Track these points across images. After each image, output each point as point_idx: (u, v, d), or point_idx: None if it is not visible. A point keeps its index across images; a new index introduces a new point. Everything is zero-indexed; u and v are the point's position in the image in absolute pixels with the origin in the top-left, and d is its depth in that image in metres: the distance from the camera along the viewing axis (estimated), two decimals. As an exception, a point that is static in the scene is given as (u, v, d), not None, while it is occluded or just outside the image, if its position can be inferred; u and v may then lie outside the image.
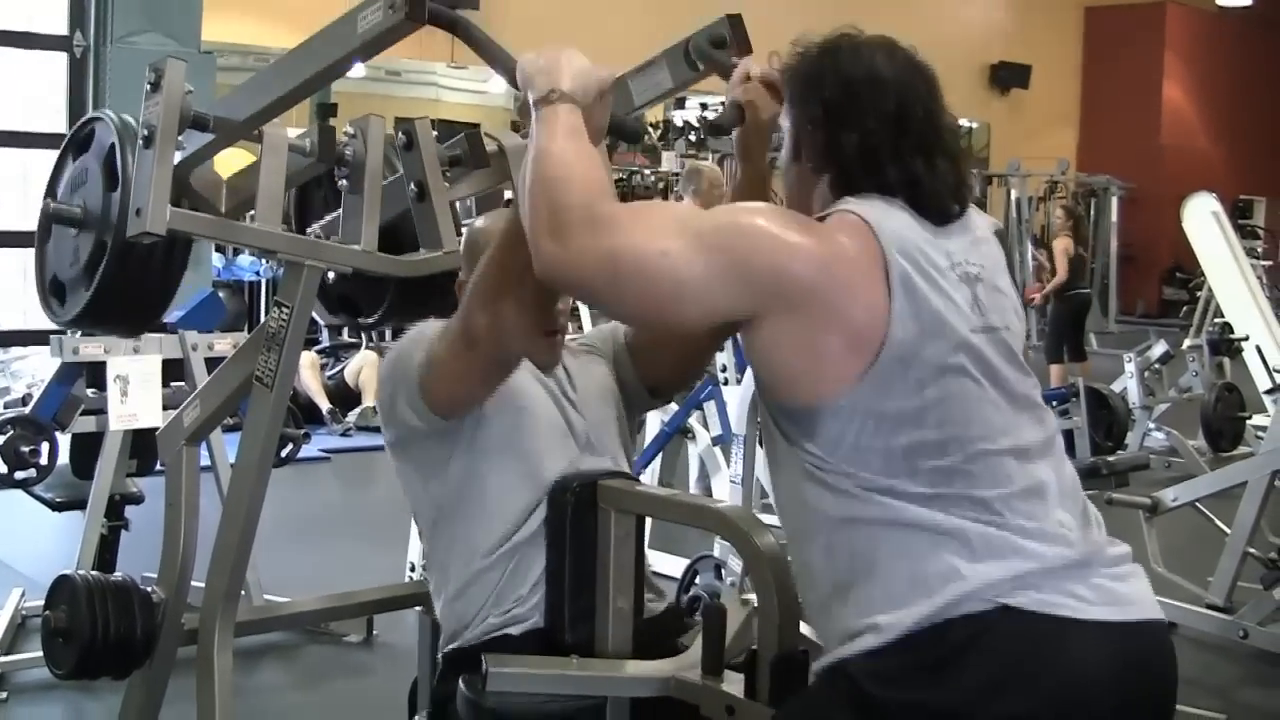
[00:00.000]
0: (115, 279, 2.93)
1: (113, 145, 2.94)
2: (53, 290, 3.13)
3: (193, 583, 3.25)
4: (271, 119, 2.83)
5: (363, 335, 9.82)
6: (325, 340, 10.31)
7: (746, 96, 2.28)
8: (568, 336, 2.62)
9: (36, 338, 6.49)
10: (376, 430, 6.99)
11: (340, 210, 2.95)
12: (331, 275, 3.07)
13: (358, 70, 15.43)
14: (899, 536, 1.83)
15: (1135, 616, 1.86)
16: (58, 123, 7.21)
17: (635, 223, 1.88)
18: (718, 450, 5.75)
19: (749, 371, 5.37)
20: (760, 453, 5.63)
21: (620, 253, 1.86)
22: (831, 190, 1.96)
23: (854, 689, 1.84)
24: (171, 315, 4.72)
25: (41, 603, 3.26)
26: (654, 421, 6.14)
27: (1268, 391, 8.88)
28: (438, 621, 2.60)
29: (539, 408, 2.55)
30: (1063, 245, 11.52)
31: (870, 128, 1.91)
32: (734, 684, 2.13)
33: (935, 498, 1.82)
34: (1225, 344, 9.81)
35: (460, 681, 2.24)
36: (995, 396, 1.88)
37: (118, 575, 3.24)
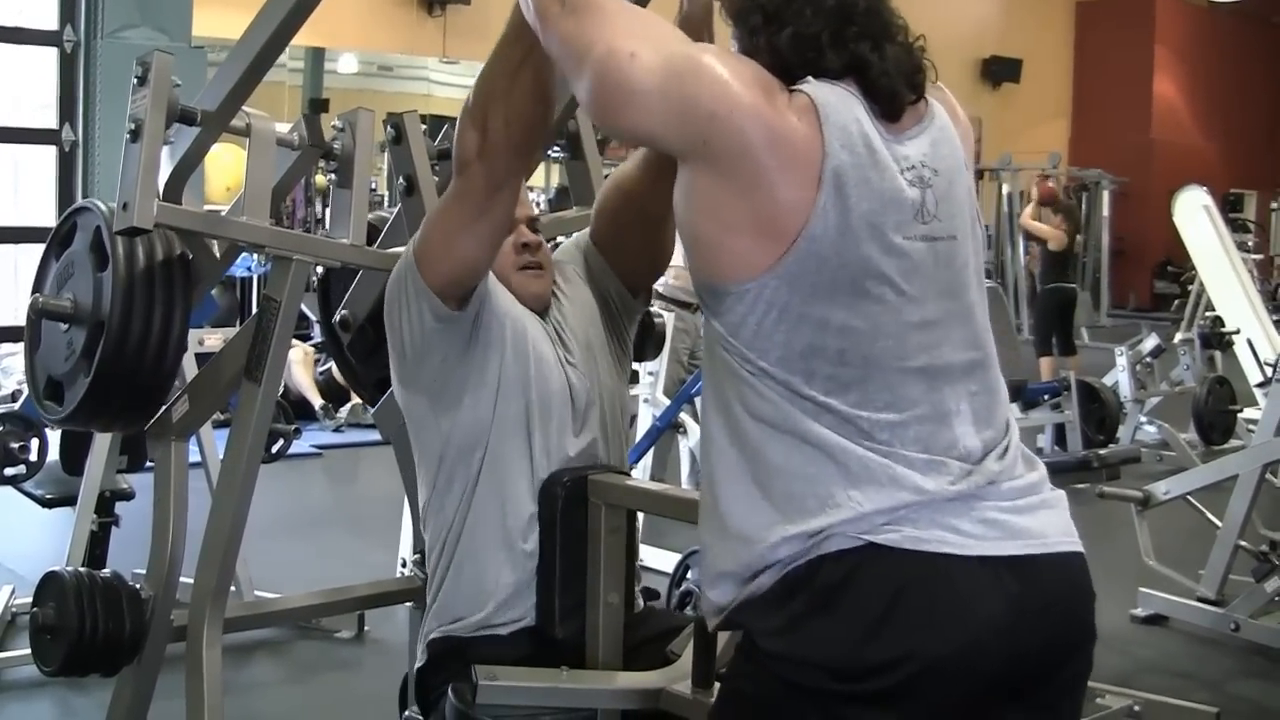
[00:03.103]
0: (113, 363, 2.90)
1: (98, 228, 2.92)
2: (48, 392, 3.10)
3: (183, 579, 3.24)
4: (245, 96, 2.81)
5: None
6: (317, 335, 10.29)
7: None
8: None
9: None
10: (369, 426, 6.96)
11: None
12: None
13: (350, 65, 15.44)
14: (782, 442, 1.78)
15: (1031, 550, 1.78)
16: (48, 118, 7.19)
17: (620, 17, 1.90)
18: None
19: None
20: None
21: (597, 44, 1.86)
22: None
23: (752, 648, 1.82)
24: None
25: (30, 600, 3.25)
26: (646, 416, 6.14)
27: (1259, 385, 8.87)
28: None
29: (548, 367, 2.53)
30: (1044, 233, 11.49)
31: (809, 17, 1.85)
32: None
33: (825, 410, 1.77)
34: (1216, 337, 9.81)
35: (449, 690, 2.23)
36: (918, 310, 1.81)
37: (106, 572, 3.23)
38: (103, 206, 2.92)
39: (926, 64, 1.91)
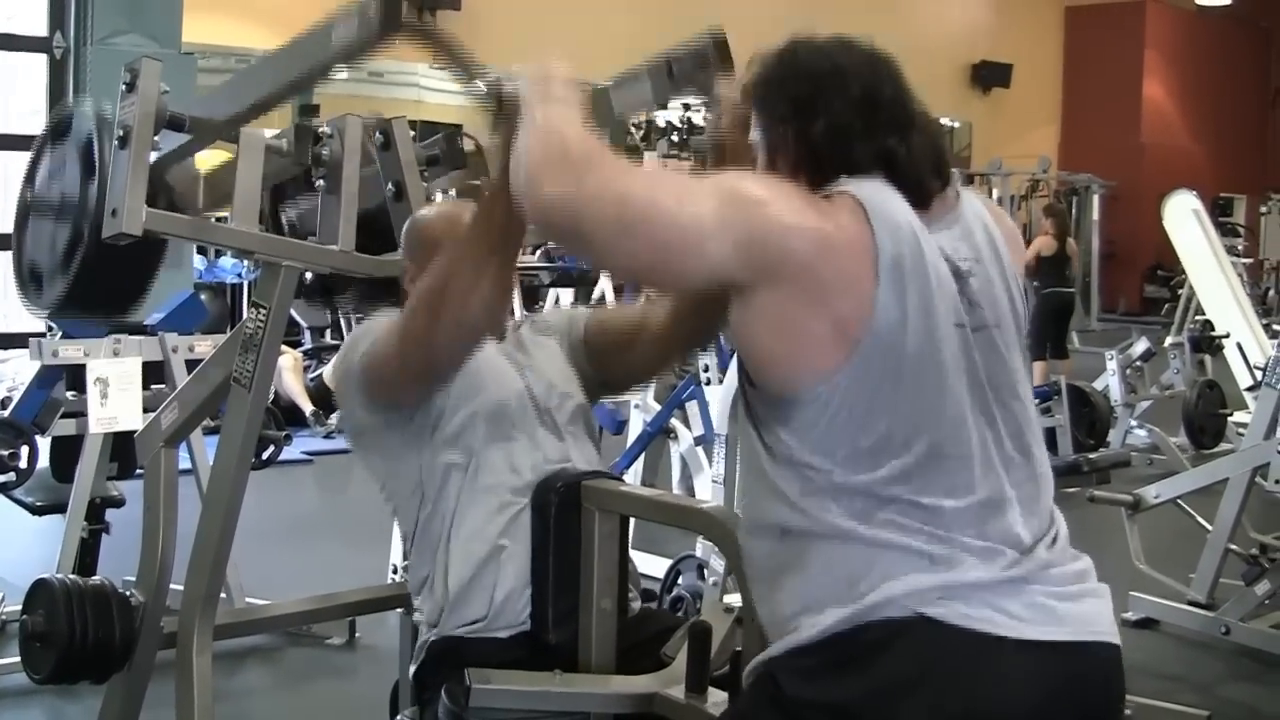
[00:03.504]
0: (93, 267, 2.91)
1: (90, 134, 2.92)
2: (31, 278, 3.11)
3: (173, 586, 3.23)
4: (247, 124, 2.82)
5: (345, 337, 9.77)
6: (308, 342, 10.28)
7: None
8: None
9: (16, 340, 6.47)
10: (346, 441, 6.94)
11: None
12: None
13: (339, 72, 15.40)
14: (841, 544, 1.80)
15: (1075, 638, 1.79)
16: (37, 124, 7.18)
17: (649, 173, 1.91)
18: (700, 450, 5.74)
19: (731, 371, 5.38)
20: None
21: (636, 196, 1.83)
22: (810, 189, 1.90)
23: (775, 688, 1.82)
24: (152, 317, 4.70)
25: (20, 607, 3.24)
26: (636, 421, 6.14)
27: (1249, 388, 8.89)
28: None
29: (498, 373, 2.58)
30: (1036, 246, 11.54)
31: (838, 111, 1.87)
32: (719, 702, 2.12)
33: (888, 501, 1.78)
34: (1206, 341, 9.84)
35: (443, 692, 2.23)
36: (973, 397, 1.84)
37: (96, 579, 3.23)
38: (93, 108, 2.97)
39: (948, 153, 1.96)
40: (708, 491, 5.27)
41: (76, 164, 2.96)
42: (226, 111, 2.75)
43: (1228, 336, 9.72)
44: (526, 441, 2.53)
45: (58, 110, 3.13)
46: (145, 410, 4.26)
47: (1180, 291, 12.02)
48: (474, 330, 2.33)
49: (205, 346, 4.68)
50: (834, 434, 1.80)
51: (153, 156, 2.69)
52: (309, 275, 3.03)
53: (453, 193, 3.53)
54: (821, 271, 1.78)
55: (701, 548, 4.79)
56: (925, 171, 1.89)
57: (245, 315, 2.93)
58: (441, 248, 2.43)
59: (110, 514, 4.76)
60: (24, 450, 4.73)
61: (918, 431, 1.80)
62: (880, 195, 1.83)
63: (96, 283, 2.95)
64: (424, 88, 16.16)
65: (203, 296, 8.51)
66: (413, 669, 2.57)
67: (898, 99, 1.91)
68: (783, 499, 1.84)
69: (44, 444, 4.88)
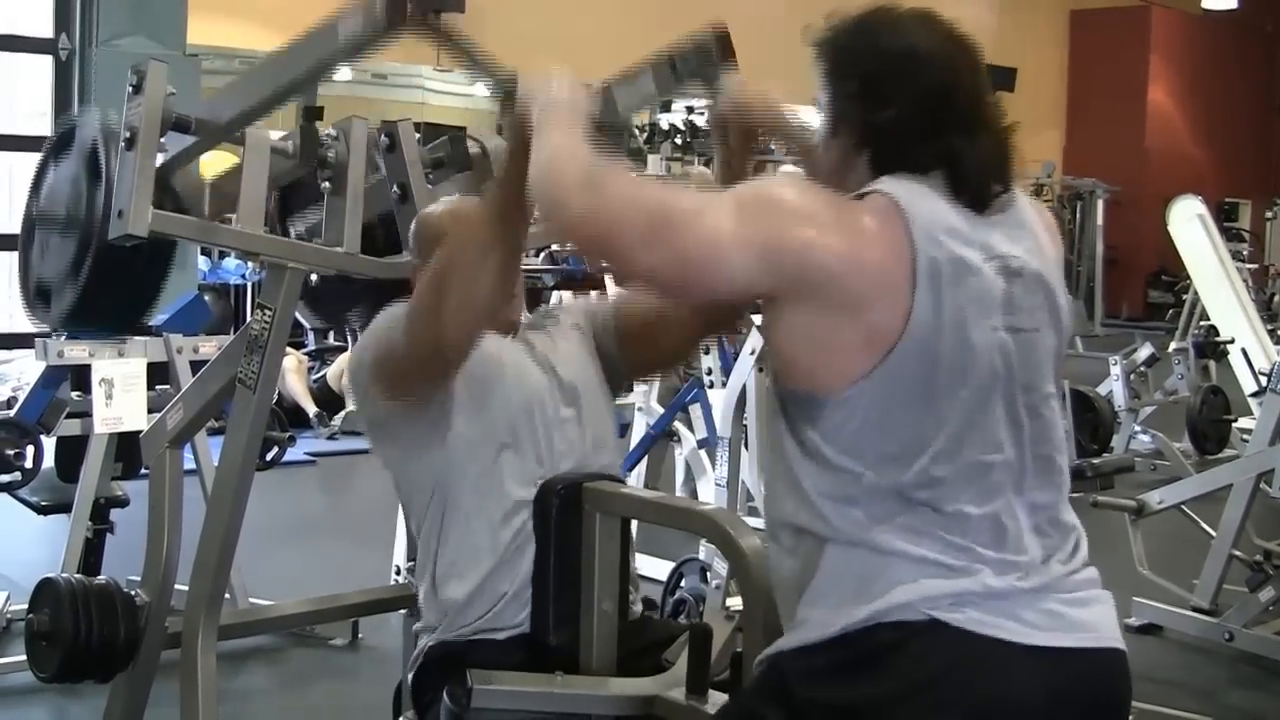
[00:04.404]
0: (102, 276, 2.92)
1: (95, 142, 2.93)
2: (38, 293, 3.12)
3: (177, 586, 3.24)
4: (253, 123, 2.82)
5: (348, 338, 9.76)
6: (311, 343, 10.28)
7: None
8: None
9: (21, 341, 6.48)
10: (362, 434, 6.96)
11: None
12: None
13: (344, 73, 15.40)
14: (862, 549, 1.79)
15: (1084, 644, 1.80)
16: (42, 125, 7.20)
17: (673, 187, 1.87)
18: (703, 453, 5.74)
19: (733, 374, 5.39)
20: (745, 456, 5.63)
21: (663, 207, 1.82)
22: (870, 168, 1.87)
23: (782, 685, 1.82)
24: (156, 318, 4.71)
25: (25, 606, 3.25)
26: (640, 424, 6.14)
27: (1253, 394, 8.88)
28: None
29: (522, 369, 2.58)
30: None
31: (909, 102, 1.83)
32: (719, 704, 2.12)
33: (912, 505, 1.78)
34: (1210, 347, 9.81)
35: (445, 694, 2.23)
36: (1004, 404, 1.82)
37: (101, 578, 3.23)
38: (99, 116, 2.99)
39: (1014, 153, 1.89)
40: (711, 494, 5.27)
41: (82, 174, 2.97)
42: (236, 108, 2.75)
43: (1232, 342, 9.70)
44: (544, 441, 2.54)
45: (62, 121, 3.13)
46: (150, 411, 4.27)
47: (1184, 296, 11.99)
48: (480, 312, 2.34)
49: (210, 348, 4.69)
50: (864, 437, 1.78)
51: (159, 159, 2.70)
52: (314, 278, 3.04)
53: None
54: (850, 284, 1.75)
55: (704, 550, 4.79)
56: (988, 176, 1.85)
57: (250, 316, 2.94)
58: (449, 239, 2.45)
59: (115, 514, 4.77)
60: (29, 450, 4.74)
61: (947, 437, 1.78)
62: (918, 196, 1.79)
63: (105, 293, 2.96)
64: (428, 90, 16.18)
65: (207, 298, 8.53)
66: (410, 675, 2.58)
67: (972, 94, 1.87)
68: (804, 498, 1.83)
69: (49, 444, 4.88)
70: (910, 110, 1.83)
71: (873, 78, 1.85)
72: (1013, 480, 1.83)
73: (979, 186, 1.83)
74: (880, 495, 1.79)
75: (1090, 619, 1.83)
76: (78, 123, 3.06)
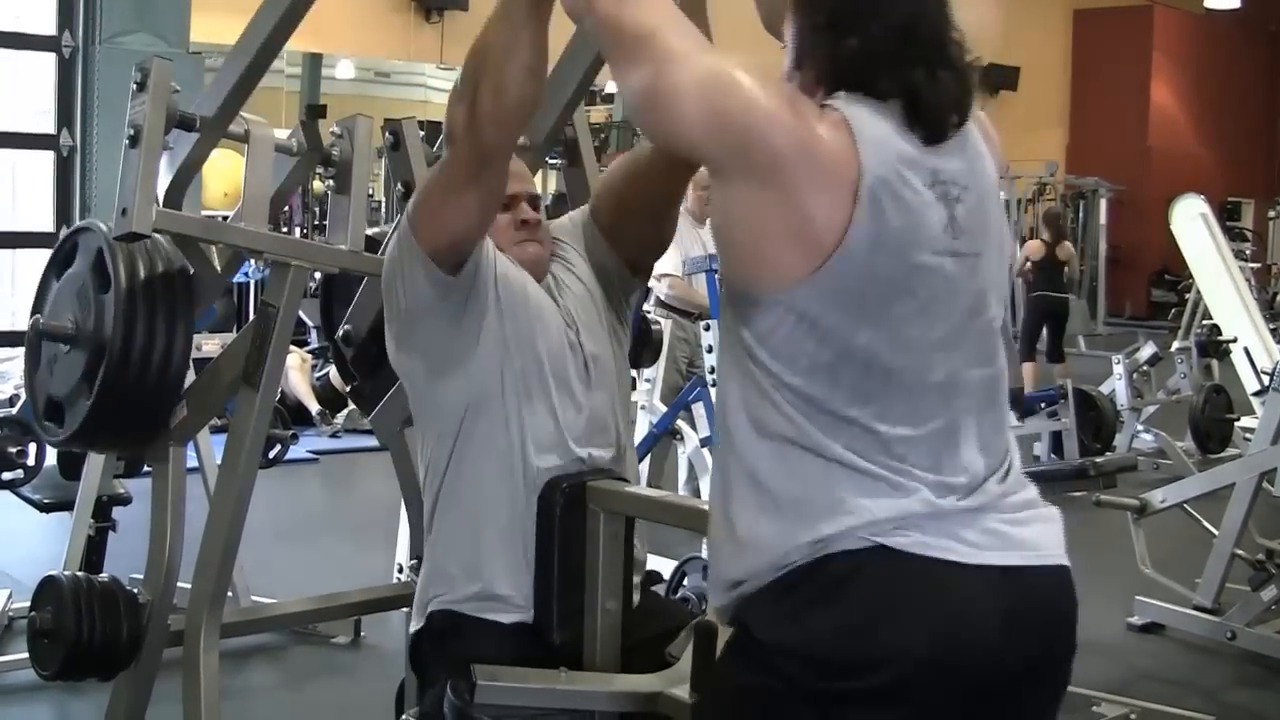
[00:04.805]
0: (115, 385, 2.90)
1: (101, 249, 2.92)
2: (48, 413, 3.10)
3: (180, 584, 3.24)
4: (243, 100, 2.82)
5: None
6: (315, 341, 10.29)
7: None
8: None
9: (23, 339, 6.47)
10: (365, 432, 6.97)
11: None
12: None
13: (347, 72, 15.45)
14: (798, 456, 1.79)
15: (1029, 562, 1.82)
16: (46, 124, 7.19)
17: (671, 11, 1.88)
18: (706, 451, 5.74)
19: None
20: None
21: (656, 37, 1.85)
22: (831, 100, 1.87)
23: (746, 637, 1.82)
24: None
25: (28, 604, 3.25)
26: (643, 423, 6.14)
27: (1255, 393, 8.88)
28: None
29: (551, 324, 2.56)
30: (1026, 250, 11.61)
31: (873, 34, 1.83)
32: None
33: (845, 422, 1.78)
34: (1213, 346, 9.81)
35: (448, 688, 2.23)
36: (941, 326, 1.83)
37: (104, 576, 3.24)
38: (103, 226, 2.92)
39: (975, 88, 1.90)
40: (713, 493, 5.26)
41: (89, 280, 2.95)
42: (221, 94, 2.75)
43: (1235, 341, 9.70)
44: (568, 399, 2.53)
45: (66, 237, 3.10)
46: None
47: (1187, 296, 12.01)
48: (514, 101, 2.30)
49: (213, 345, 4.70)
50: (793, 344, 1.79)
51: (165, 156, 2.70)
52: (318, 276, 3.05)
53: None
54: (796, 170, 1.75)
55: (707, 549, 4.79)
56: (946, 110, 1.86)
57: (253, 314, 2.94)
58: None
59: (117, 512, 4.77)
60: (32, 448, 4.73)
61: (878, 357, 1.79)
62: (870, 116, 1.80)
63: (116, 410, 2.93)
64: (431, 88, 16.20)
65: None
66: (413, 627, 2.57)
67: (937, 29, 1.88)
68: (748, 401, 1.83)
69: (51, 442, 4.89)
70: (874, 42, 1.84)
71: (839, 8, 1.87)
72: (952, 401, 1.84)
73: (935, 122, 1.84)
74: (810, 414, 1.79)
75: (1031, 537, 1.84)
76: (80, 235, 3.03)
